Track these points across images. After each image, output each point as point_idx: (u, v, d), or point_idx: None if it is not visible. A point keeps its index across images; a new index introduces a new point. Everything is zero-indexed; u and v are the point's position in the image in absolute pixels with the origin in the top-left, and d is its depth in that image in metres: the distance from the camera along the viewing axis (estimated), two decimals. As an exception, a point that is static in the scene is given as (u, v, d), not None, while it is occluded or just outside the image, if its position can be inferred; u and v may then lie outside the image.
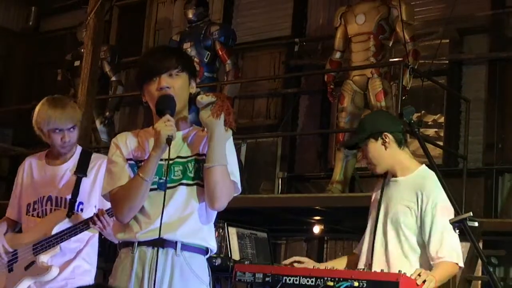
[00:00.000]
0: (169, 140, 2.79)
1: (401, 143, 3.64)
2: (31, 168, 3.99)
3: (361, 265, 3.61)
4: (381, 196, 3.66)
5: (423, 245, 3.52)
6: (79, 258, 3.85)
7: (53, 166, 3.94)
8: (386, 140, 3.60)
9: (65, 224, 3.76)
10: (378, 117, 3.87)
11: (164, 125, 2.79)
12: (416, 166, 3.65)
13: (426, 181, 3.55)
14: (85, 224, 3.70)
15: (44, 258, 3.75)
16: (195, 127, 3.04)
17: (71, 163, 3.92)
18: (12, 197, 4.03)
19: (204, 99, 2.86)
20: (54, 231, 3.74)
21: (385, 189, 3.66)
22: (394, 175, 3.66)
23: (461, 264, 3.51)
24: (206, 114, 2.85)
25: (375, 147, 3.62)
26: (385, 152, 3.61)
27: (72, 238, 3.75)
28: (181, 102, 2.95)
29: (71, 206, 3.82)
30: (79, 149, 3.98)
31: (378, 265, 3.51)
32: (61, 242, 3.75)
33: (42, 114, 3.83)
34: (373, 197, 3.78)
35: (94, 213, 3.66)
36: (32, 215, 3.88)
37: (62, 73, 9.51)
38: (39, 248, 3.76)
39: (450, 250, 3.44)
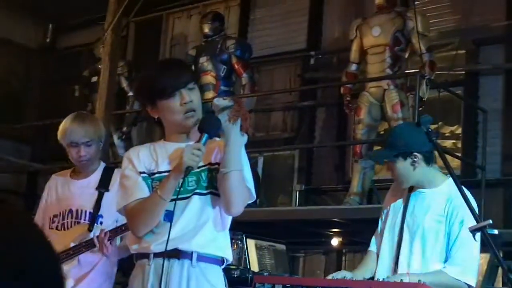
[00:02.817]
0: (187, 170, 2.80)
1: (429, 161, 3.56)
2: (56, 184, 4.04)
3: (381, 275, 3.58)
4: (405, 208, 3.61)
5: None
6: (95, 270, 3.85)
7: (76, 180, 3.99)
8: (416, 160, 3.51)
9: (85, 237, 3.79)
10: (409, 134, 3.65)
11: (190, 154, 2.79)
12: (443, 179, 3.58)
13: (455, 194, 3.42)
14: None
15: None
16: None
17: (94, 178, 3.96)
18: (37, 212, 4.08)
19: (220, 102, 2.87)
20: (73, 244, 3.77)
21: (410, 201, 3.61)
22: (421, 187, 3.60)
23: (467, 282, 3.43)
24: (223, 119, 2.86)
25: (403, 166, 3.53)
26: (413, 171, 3.53)
27: (90, 251, 3.77)
28: (201, 114, 2.98)
29: (93, 220, 3.85)
30: (102, 165, 4.04)
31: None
32: (78, 254, 3.77)
33: (61, 128, 3.93)
34: (389, 206, 3.72)
35: (95, 235, 3.69)
36: (52, 228, 3.91)
37: (79, 89, 9.57)
38: None
39: (457, 265, 3.41)
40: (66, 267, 3.78)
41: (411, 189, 3.65)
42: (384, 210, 3.76)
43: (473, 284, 3.49)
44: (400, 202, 3.66)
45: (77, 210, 3.89)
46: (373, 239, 3.78)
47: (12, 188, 10.78)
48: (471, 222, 3.35)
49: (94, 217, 3.85)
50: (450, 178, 3.52)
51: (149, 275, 2.89)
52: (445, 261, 3.47)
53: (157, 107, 2.97)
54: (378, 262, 3.65)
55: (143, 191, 2.93)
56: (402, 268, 3.51)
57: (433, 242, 3.49)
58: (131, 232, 3.02)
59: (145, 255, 2.92)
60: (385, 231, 3.66)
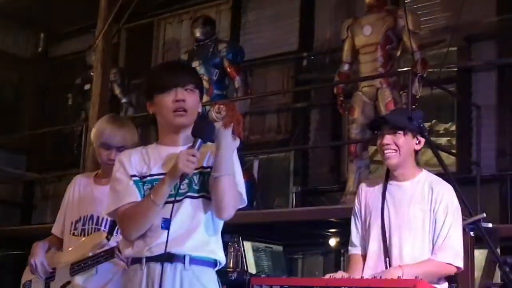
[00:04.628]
0: (182, 177, 2.82)
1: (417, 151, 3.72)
2: (79, 187, 3.98)
3: (370, 271, 3.60)
4: (383, 202, 3.67)
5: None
6: (114, 281, 3.77)
7: (99, 185, 3.92)
8: (420, 144, 3.66)
9: (102, 246, 3.73)
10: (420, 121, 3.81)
11: (185, 161, 2.80)
12: (419, 171, 3.73)
13: (435, 183, 3.65)
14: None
15: (79, 280, 3.74)
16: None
17: None
18: (58, 214, 4.03)
19: (218, 117, 2.87)
20: (91, 253, 3.73)
21: (388, 195, 3.68)
22: (398, 179, 3.69)
23: (457, 264, 3.57)
24: (217, 125, 2.87)
25: (408, 141, 3.64)
26: (410, 152, 3.65)
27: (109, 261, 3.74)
28: (192, 118, 2.97)
29: (111, 228, 3.80)
30: None
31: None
32: (97, 265, 3.72)
33: (97, 127, 3.87)
34: (363, 205, 3.77)
35: (117, 242, 3.63)
36: (74, 234, 3.86)
37: (72, 97, 9.56)
38: (76, 268, 3.74)
39: (447, 251, 3.53)
40: (83, 277, 3.75)
41: (386, 183, 3.71)
42: (356, 209, 3.81)
43: (462, 266, 3.61)
44: (377, 198, 3.71)
45: (97, 217, 3.83)
46: (353, 241, 3.80)
47: (8, 199, 10.76)
48: (455, 206, 3.48)
49: (113, 225, 3.82)
50: (425, 170, 3.74)
51: (141, 279, 2.89)
52: (433, 246, 3.57)
53: (154, 102, 3.00)
54: (367, 259, 3.68)
55: (134, 195, 2.93)
56: (395, 262, 3.56)
57: (421, 232, 3.59)
58: (122, 236, 3.02)
59: (138, 260, 2.92)
60: (372, 229, 3.69)
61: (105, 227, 3.81)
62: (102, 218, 3.83)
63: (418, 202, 3.61)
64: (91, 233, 3.83)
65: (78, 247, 3.80)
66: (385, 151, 3.64)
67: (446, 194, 3.60)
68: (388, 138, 3.64)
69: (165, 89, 2.95)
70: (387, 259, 3.58)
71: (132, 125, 4.01)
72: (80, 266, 3.75)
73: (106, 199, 3.74)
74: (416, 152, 3.70)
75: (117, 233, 3.76)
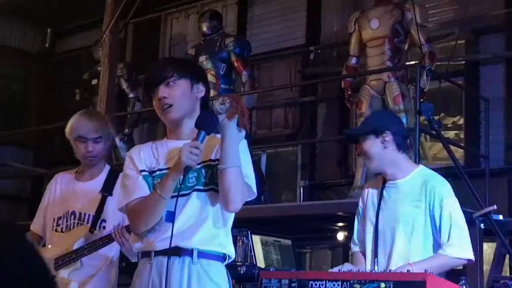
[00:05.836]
0: (186, 170, 2.80)
1: (400, 146, 3.70)
2: (60, 184, 4.01)
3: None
4: (379, 201, 3.69)
5: (437, 245, 3.59)
6: (98, 275, 3.83)
7: (81, 182, 3.97)
8: (386, 139, 3.65)
9: (86, 240, 3.78)
10: (385, 117, 3.94)
11: (188, 154, 2.78)
12: (413, 168, 3.73)
13: (429, 178, 3.64)
14: (104, 240, 3.71)
15: (64, 273, 3.76)
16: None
17: (99, 181, 3.93)
18: (38, 211, 4.06)
19: (221, 107, 2.85)
20: (75, 246, 3.76)
21: (385, 194, 3.70)
22: (392, 179, 3.70)
23: (466, 256, 3.56)
24: (221, 117, 2.85)
25: (373, 144, 3.66)
26: (383, 152, 3.67)
27: (93, 255, 3.76)
28: (182, 109, 2.98)
29: (94, 223, 3.83)
30: (107, 167, 4.01)
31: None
32: (81, 257, 3.76)
33: (70, 122, 3.92)
34: (364, 204, 3.81)
35: (114, 227, 3.65)
36: (56, 230, 3.90)
37: (80, 93, 9.57)
38: (60, 262, 3.77)
39: (453, 244, 3.52)
40: (68, 270, 3.77)
41: (384, 182, 3.73)
42: (360, 209, 3.85)
43: (472, 258, 3.59)
44: (375, 199, 3.74)
45: (80, 213, 3.87)
46: (355, 240, 3.87)
47: (16, 194, 10.78)
48: (451, 199, 3.53)
49: (96, 220, 3.84)
50: (422, 166, 3.78)
51: (150, 273, 2.90)
52: (434, 241, 3.58)
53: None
54: (366, 259, 3.72)
55: (144, 190, 2.94)
56: (393, 260, 3.57)
57: (412, 229, 3.59)
58: (132, 231, 3.03)
59: (147, 253, 2.94)
60: (368, 229, 3.73)
61: (87, 222, 3.84)
62: (85, 214, 3.87)
63: (411, 199, 3.62)
64: (73, 228, 3.85)
65: (62, 242, 3.83)
66: (364, 160, 3.76)
67: (440, 188, 3.60)
68: (360, 148, 3.74)
69: (152, 91, 3.00)
70: (376, 259, 3.61)
71: (103, 116, 4.13)
72: (64, 260, 3.77)
73: (87, 195, 3.84)
74: (398, 148, 3.68)
75: (99, 227, 3.79)
